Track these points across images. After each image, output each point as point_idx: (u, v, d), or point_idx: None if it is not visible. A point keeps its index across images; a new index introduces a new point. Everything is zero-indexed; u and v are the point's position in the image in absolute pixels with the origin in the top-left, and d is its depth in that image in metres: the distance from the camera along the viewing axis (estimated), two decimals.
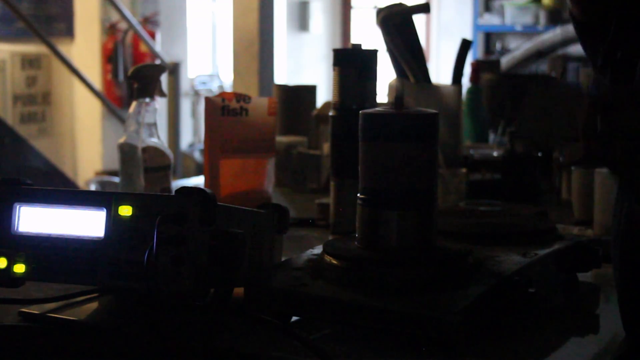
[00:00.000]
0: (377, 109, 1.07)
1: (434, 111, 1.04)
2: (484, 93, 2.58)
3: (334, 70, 1.39)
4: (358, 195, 1.05)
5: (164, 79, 1.55)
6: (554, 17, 7.41)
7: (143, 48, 5.65)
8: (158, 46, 5.64)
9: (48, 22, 5.59)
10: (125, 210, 0.95)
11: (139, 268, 0.92)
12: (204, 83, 6.82)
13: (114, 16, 5.62)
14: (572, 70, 4.54)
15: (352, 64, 1.37)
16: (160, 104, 1.54)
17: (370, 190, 1.04)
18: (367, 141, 1.04)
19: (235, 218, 1.01)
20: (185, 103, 6.42)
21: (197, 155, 6.17)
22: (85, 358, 1.00)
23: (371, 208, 1.04)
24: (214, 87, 6.80)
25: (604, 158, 1.00)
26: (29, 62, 5.66)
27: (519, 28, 7.43)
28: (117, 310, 1.07)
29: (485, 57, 7.36)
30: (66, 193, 1.00)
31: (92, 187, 5.10)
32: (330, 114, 1.41)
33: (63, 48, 4.91)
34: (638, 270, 0.99)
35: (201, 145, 5.72)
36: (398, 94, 1.04)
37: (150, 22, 5.89)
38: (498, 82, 2.80)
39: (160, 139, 1.52)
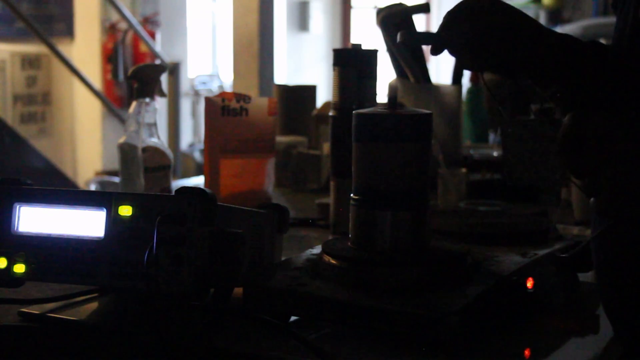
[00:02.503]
0: (371, 109, 1.07)
1: (427, 111, 1.04)
2: (484, 93, 2.58)
3: (334, 70, 1.39)
4: (351, 195, 1.05)
5: (164, 79, 1.55)
6: (554, 17, 7.41)
7: (143, 48, 5.65)
8: (158, 46, 5.64)
9: (48, 22, 5.60)
10: (125, 210, 0.96)
11: (139, 268, 0.92)
12: (204, 83, 6.82)
13: (114, 16, 5.62)
14: None
15: (352, 64, 1.37)
16: (160, 104, 1.54)
17: (363, 190, 1.04)
18: (360, 141, 1.04)
19: (235, 218, 1.01)
20: (185, 103, 6.42)
21: (197, 155, 6.17)
22: (85, 358, 1.00)
23: (364, 208, 1.04)
24: (214, 87, 6.80)
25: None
26: (29, 62, 5.66)
27: None
28: (117, 310, 1.07)
29: None
30: (66, 193, 1.00)
31: (92, 187, 5.10)
32: (330, 114, 1.41)
33: (63, 48, 4.91)
34: (617, 276, 0.99)
35: (201, 145, 5.72)
36: (392, 94, 1.04)
37: (150, 22, 5.89)
38: (498, 82, 2.79)
39: (160, 139, 1.52)
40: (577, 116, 0.88)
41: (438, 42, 1.04)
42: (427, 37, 1.05)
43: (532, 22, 1.03)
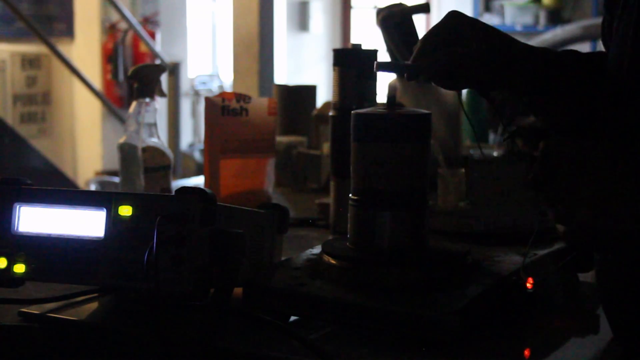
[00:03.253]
0: (369, 109, 1.07)
1: (426, 111, 1.04)
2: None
3: (334, 70, 1.39)
4: (350, 196, 1.05)
5: (164, 79, 1.55)
6: (554, 17, 7.41)
7: (143, 48, 5.64)
8: (158, 46, 5.64)
9: (48, 22, 5.59)
10: (125, 210, 0.96)
11: (139, 268, 0.92)
12: (204, 83, 6.82)
13: (114, 16, 5.62)
14: None
15: (352, 64, 1.37)
16: (160, 104, 1.54)
17: (362, 191, 1.04)
18: (359, 141, 1.04)
19: (235, 218, 1.01)
20: (185, 103, 6.42)
21: (197, 155, 6.17)
22: (85, 358, 1.00)
23: (363, 209, 1.03)
24: (214, 87, 6.80)
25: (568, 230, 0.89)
26: (29, 62, 5.66)
27: (519, 28, 7.44)
28: (117, 310, 1.07)
29: None
30: (66, 193, 1.00)
31: (92, 187, 5.10)
32: (330, 114, 1.41)
33: (63, 48, 4.91)
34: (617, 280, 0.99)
35: (201, 145, 5.73)
36: (390, 93, 1.04)
37: (150, 22, 5.89)
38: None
39: (160, 139, 1.52)
40: (549, 143, 0.88)
41: (413, 70, 1.03)
42: (402, 67, 1.05)
43: (512, 42, 1.03)
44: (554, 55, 1.05)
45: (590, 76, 1.04)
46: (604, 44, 1.10)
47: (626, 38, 0.98)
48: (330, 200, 1.45)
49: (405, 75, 1.04)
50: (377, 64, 1.06)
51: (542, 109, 1.06)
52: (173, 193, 0.94)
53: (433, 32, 1.02)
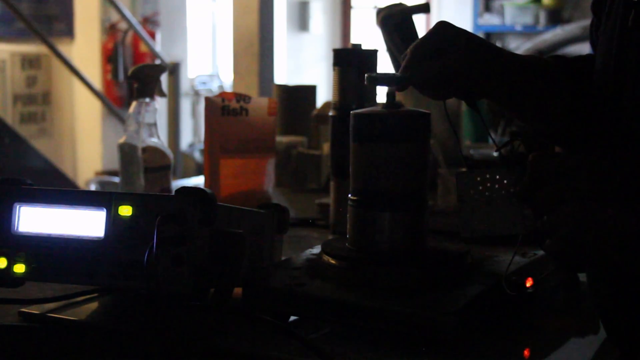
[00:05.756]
0: (369, 109, 1.07)
1: (425, 111, 1.04)
2: None
3: (334, 70, 1.39)
4: (349, 196, 1.05)
5: (164, 79, 1.55)
6: (554, 17, 7.41)
7: (143, 48, 5.64)
8: (158, 46, 5.64)
9: (48, 22, 5.59)
10: (125, 210, 0.96)
11: (139, 268, 0.93)
12: (204, 83, 6.82)
13: (114, 16, 5.62)
14: None
15: (352, 64, 1.37)
16: (160, 104, 1.54)
17: (361, 191, 1.04)
18: (358, 142, 1.04)
19: (235, 218, 1.01)
20: (185, 103, 6.42)
21: (197, 155, 6.17)
22: (85, 358, 1.00)
23: (362, 209, 1.03)
24: (214, 87, 6.80)
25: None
26: (29, 62, 5.66)
27: (519, 28, 7.43)
28: (117, 310, 1.07)
29: None
30: (66, 193, 1.01)
31: (92, 187, 5.10)
32: (330, 114, 1.41)
33: (63, 48, 4.91)
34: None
35: (201, 145, 5.72)
36: (389, 92, 1.04)
37: (150, 22, 5.89)
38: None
39: (160, 139, 1.52)
40: (536, 156, 0.89)
41: (403, 82, 1.04)
42: (392, 78, 1.05)
43: (498, 52, 1.03)
44: (540, 63, 1.06)
45: (577, 81, 1.05)
46: (592, 46, 1.11)
47: (612, 40, 0.98)
48: (330, 200, 1.45)
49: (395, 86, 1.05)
50: (368, 79, 1.06)
51: (529, 117, 1.07)
52: (173, 193, 0.94)
53: (421, 43, 1.03)
